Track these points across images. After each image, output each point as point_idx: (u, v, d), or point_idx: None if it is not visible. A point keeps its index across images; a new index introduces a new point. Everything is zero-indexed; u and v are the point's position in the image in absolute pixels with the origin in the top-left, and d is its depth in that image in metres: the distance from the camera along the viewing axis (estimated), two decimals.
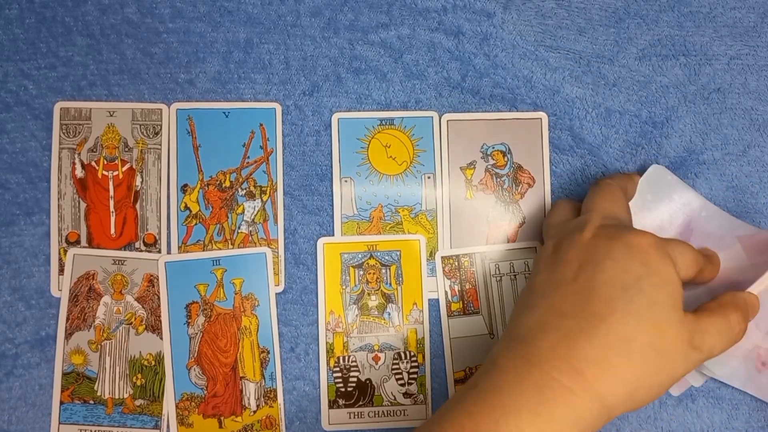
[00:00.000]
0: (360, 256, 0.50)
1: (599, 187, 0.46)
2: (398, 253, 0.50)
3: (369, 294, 0.50)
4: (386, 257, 0.50)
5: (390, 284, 0.50)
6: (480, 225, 0.50)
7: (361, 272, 0.50)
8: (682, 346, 0.39)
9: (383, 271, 0.50)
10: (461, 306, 0.50)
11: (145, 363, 0.48)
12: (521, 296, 0.43)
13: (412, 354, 0.49)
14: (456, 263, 0.50)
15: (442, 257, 0.50)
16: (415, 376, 0.49)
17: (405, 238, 0.50)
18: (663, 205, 0.48)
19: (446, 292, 0.50)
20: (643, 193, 0.48)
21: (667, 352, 0.38)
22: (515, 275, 0.50)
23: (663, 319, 0.38)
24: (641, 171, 0.49)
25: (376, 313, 0.49)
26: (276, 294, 0.49)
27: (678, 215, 0.49)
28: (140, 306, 0.49)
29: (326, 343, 0.49)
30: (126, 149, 0.50)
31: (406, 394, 0.49)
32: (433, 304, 0.50)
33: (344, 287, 0.49)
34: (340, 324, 0.49)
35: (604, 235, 0.41)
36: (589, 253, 0.40)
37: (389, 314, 0.49)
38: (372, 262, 0.50)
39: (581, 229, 0.42)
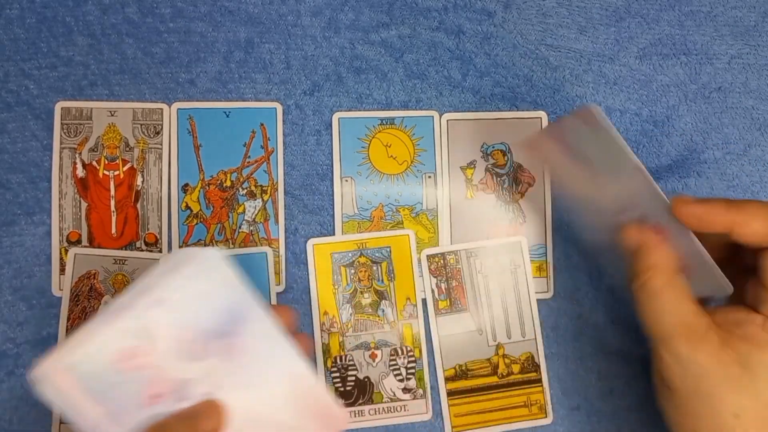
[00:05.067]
0: (350, 254, 0.50)
1: None
2: (388, 249, 0.50)
3: (362, 292, 0.50)
4: (376, 254, 0.50)
5: (382, 281, 0.50)
6: (480, 224, 0.50)
7: (353, 271, 0.50)
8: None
9: (374, 268, 0.50)
10: (448, 303, 0.50)
11: None
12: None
13: (409, 349, 0.49)
14: (442, 261, 0.50)
15: (427, 255, 0.50)
16: (413, 370, 0.49)
17: (394, 234, 0.50)
18: None
19: (433, 290, 0.50)
20: None
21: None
22: (501, 271, 0.50)
23: None
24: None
25: (370, 310, 0.49)
26: (277, 294, 0.49)
27: None
28: None
29: (322, 344, 0.49)
30: (127, 149, 0.50)
31: (405, 390, 0.49)
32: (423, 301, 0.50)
33: (336, 287, 0.49)
34: (334, 324, 0.49)
35: None
36: None
37: (383, 311, 0.49)
38: (363, 260, 0.50)
39: None
